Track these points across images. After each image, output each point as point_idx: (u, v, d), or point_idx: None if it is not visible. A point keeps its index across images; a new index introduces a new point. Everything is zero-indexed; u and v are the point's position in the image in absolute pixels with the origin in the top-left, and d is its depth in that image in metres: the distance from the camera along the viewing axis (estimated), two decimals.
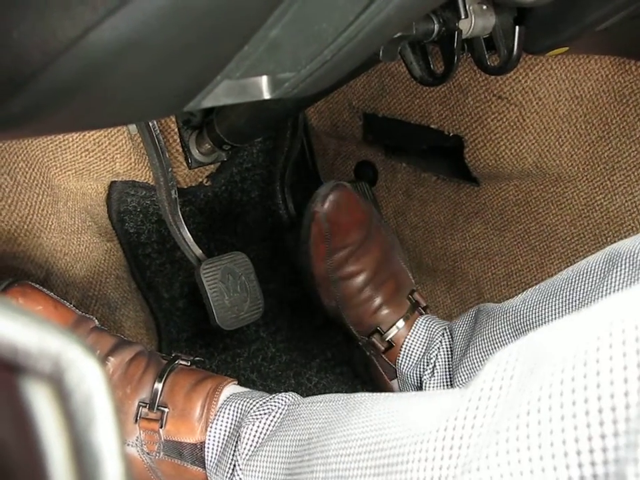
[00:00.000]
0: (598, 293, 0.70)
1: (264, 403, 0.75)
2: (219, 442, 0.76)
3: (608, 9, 0.68)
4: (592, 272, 0.72)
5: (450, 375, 0.94)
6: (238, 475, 0.71)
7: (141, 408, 0.79)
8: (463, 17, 0.70)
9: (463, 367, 0.88)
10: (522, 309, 0.80)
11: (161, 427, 0.78)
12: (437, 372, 0.95)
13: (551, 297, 0.76)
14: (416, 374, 0.99)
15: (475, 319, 0.92)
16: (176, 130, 1.04)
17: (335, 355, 1.24)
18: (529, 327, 0.78)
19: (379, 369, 1.06)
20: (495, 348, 0.83)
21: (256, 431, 0.71)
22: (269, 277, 1.21)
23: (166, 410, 0.78)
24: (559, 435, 0.34)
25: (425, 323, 1.01)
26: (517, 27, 0.72)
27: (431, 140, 1.11)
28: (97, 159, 0.94)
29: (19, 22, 0.31)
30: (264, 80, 0.44)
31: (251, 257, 1.00)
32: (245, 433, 0.72)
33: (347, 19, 0.41)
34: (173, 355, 0.84)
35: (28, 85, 0.33)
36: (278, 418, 0.72)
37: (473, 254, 1.18)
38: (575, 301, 0.72)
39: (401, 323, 1.00)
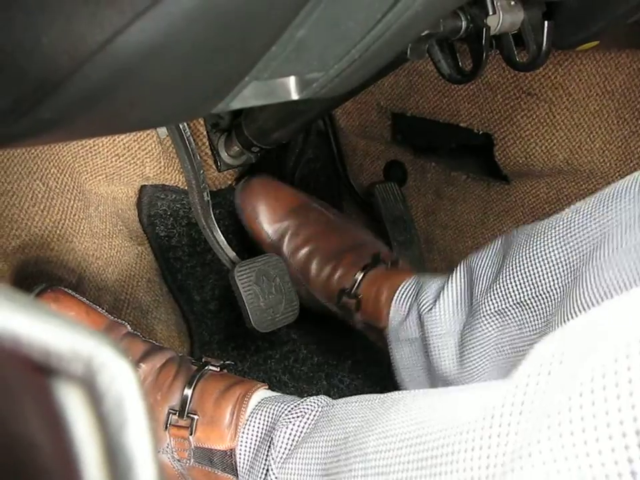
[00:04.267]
0: None
1: (296, 406, 0.74)
2: (250, 448, 0.75)
3: (638, 1, 0.67)
4: None
5: (467, 304, 0.85)
6: None
7: (170, 415, 0.79)
8: (490, 13, 0.70)
9: (493, 294, 0.79)
10: (576, 218, 0.72)
11: (191, 434, 0.77)
12: (443, 306, 0.86)
13: (610, 201, 0.68)
14: (409, 324, 0.92)
15: (506, 243, 0.82)
16: (205, 133, 1.05)
17: (367, 356, 1.23)
18: (586, 236, 0.69)
19: (367, 334, 1.07)
20: (537, 266, 0.74)
21: (289, 435, 0.70)
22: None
23: (195, 417, 0.78)
24: (616, 415, 0.32)
25: (414, 278, 0.96)
26: (546, 22, 0.71)
27: (460, 138, 1.11)
28: (127, 163, 0.95)
29: (48, 28, 0.31)
30: (292, 80, 0.44)
31: None
32: (278, 437, 0.71)
33: (374, 18, 0.40)
34: (203, 360, 0.84)
35: (58, 90, 0.33)
36: (312, 420, 0.71)
37: None
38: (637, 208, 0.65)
39: (359, 275, 1.01)
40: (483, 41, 0.71)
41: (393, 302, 0.96)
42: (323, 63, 0.44)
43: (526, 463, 0.36)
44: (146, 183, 1.02)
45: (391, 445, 0.51)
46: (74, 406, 0.17)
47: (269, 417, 0.75)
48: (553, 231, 0.73)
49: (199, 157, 0.91)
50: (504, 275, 0.78)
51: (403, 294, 0.95)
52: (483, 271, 0.83)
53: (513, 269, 0.77)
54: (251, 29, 0.34)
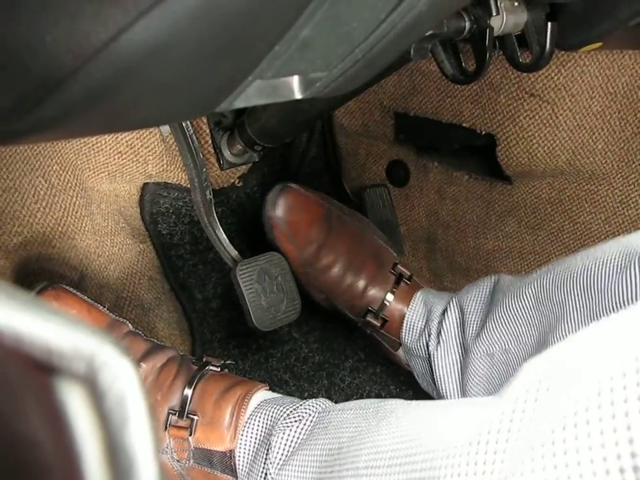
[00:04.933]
0: (617, 287, 0.68)
1: (294, 409, 0.74)
2: (249, 450, 0.75)
3: None
4: (609, 263, 0.71)
5: (461, 346, 0.95)
6: None
7: (170, 415, 0.79)
8: (494, 14, 0.70)
9: (482, 340, 0.88)
10: (540, 290, 0.80)
11: (190, 435, 0.78)
12: (444, 342, 0.96)
13: (569, 280, 0.75)
14: (420, 345, 1.01)
15: (492, 293, 0.92)
16: (208, 131, 1.05)
17: (368, 355, 1.23)
18: (549, 307, 0.77)
19: (383, 344, 1.09)
20: (516, 324, 0.83)
21: (287, 440, 0.71)
22: None
23: (195, 418, 0.78)
24: (599, 452, 0.32)
25: (422, 297, 1.03)
26: (549, 23, 0.71)
27: (462, 139, 1.11)
28: (129, 160, 0.95)
29: (52, 26, 0.31)
30: (295, 80, 0.44)
31: None
32: (276, 442, 0.71)
33: (378, 18, 0.40)
34: (204, 360, 0.85)
35: (61, 88, 0.33)
36: (308, 426, 0.71)
37: (506, 253, 1.17)
38: (594, 291, 0.71)
39: (389, 297, 1.03)
40: (487, 42, 0.71)
41: (405, 324, 1.03)
42: (327, 63, 0.44)
43: None
44: (148, 181, 1.02)
45: (381, 462, 0.51)
46: (75, 404, 0.17)
47: (267, 419, 0.76)
48: (527, 294, 0.82)
49: (201, 155, 0.91)
50: (491, 325, 0.87)
51: (413, 318, 1.02)
52: (473, 317, 0.93)
53: (497, 321, 0.86)
54: (255, 28, 0.34)
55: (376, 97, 1.17)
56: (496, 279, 0.94)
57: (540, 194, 1.08)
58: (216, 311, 1.17)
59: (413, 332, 1.02)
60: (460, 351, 0.95)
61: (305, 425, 0.72)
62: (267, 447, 0.73)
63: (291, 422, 0.72)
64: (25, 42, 0.32)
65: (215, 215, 0.96)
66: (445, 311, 0.98)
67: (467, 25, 0.70)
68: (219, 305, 1.17)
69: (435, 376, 0.98)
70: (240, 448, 0.76)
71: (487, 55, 0.72)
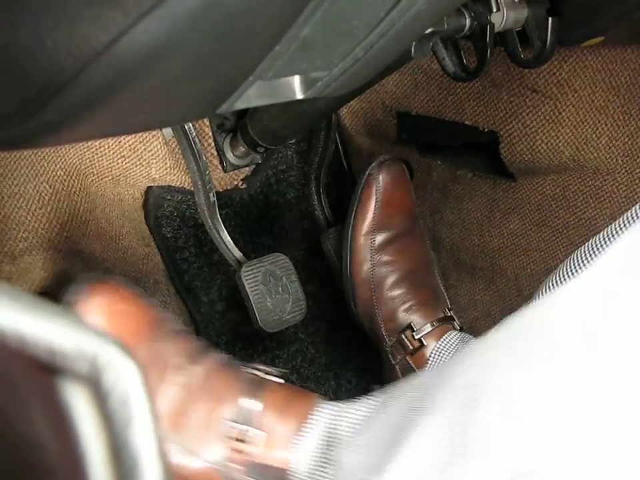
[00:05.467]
0: None
1: (352, 405, 0.72)
2: (307, 462, 0.71)
3: None
4: None
5: None
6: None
7: (228, 425, 0.73)
8: (494, 10, 0.70)
9: None
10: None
11: (250, 449, 0.72)
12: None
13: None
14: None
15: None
16: (210, 134, 1.05)
17: (375, 356, 1.23)
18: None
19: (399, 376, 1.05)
20: None
21: (352, 423, 0.69)
22: (307, 278, 1.21)
23: (258, 432, 0.73)
24: None
25: (459, 334, 0.99)
26: (550, 18, 0.71)
27: (465, 136, 1.10)
28: (132, 164, 0.95)
29: (53, 30, 0.31)
30: (296, 80, 0.44)
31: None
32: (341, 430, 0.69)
33: (378, 16, 0.40)
34: (252, 365, 0.80)
35: (62, 92, 0.33)
36: (375, 404, 0.69)
37: (511, 250, 1.16)
38: None
39: (432, 325, 0.99)
40: (487, 38, 0.71)
41: (431, 358, 0.98)
42: (327, 62, 0.44)
43: None
44: (152, 184, 1.02)
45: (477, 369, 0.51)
46: (79, 404, 0.17)
47: (325, 429, 0.72)
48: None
49: (204, 158, 0.91)
50: None
51: (440, 353, 0.98)
52: None
53: None
54: (255, 27, 0.34)
55: (378, 96, 1.17)
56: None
57: (544, 190, 1.08)
58: (221, 313, 1.17)
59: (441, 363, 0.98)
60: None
61: (368, 402, 0.70)
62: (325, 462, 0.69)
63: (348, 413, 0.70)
64: (26, 46, 0.32)
65: (219, 217, 0.96)
66: None
67: (468, 21, 0.70)
68: (224, 307, 1.17)
69: None
70: (296, 459, 0.71)
71: (488, 52, 0.72)
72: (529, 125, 1.00)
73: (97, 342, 0.17)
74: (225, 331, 1.17)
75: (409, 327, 1.00)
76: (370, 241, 1.00)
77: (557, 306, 0.49)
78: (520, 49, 0.76)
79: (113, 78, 0.33)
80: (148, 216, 1.05)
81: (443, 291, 1.06)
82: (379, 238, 0.99)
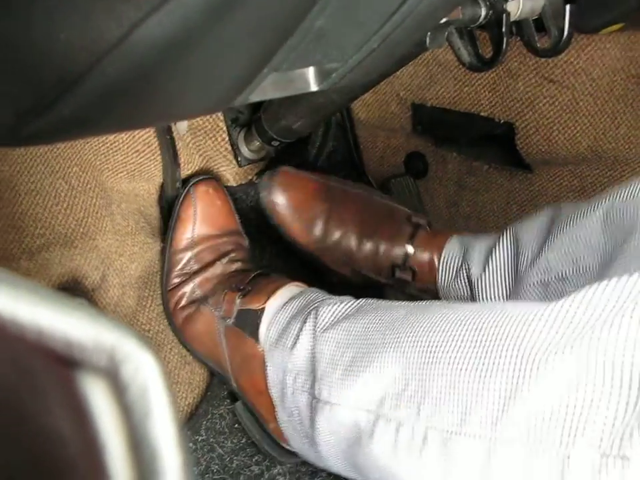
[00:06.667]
0: None
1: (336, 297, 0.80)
2: (280, 313, 0.83)
3: None
4: None
5: (513, 274, 0.90)
6: (307, 342, 0.74)
7: (229, 289, 0.92)
8: None
9: (537, 268, 0.84)
10: (613, 205, 0.75)
11: (239, 298, 0.89)
12: (493, 271, 0.92)
13: None
14: (459, 282, 0.97)
15: (551, 220, 0.87)
16: (224, 129, 1.05)
17: None
18: (619, 225, 0.74)
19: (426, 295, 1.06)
20: (578, 248, 0.80)
21: (334, 310, 0.74)
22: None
23: (248, 288, 0.89)
24: None
25: (458, 238, 1.00)
26: (567, 6, 0.70)
27: (481, 128, 1.10)
28: (147, 159, 0.95)
29: (66, 24, 0.31)
30: (311, 71, 0.44)
31: None
32: (322, 311, 0.75)
33: (392, 6, 0.40)
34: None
35: (77, 87, 0.33)
36: (354, 306, 0.74)
37: None
38: None
39: (410, 248, 1.01)
40: (503, 28, 0.70)
41: (441, 264, 0.99)
42: (342, 53, 0.43)
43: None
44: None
45: (444, 326, 0.55)
46: (98, 397, 0.17)
47: (306, 296, 0.83)
48: (593, 216, 0.77)
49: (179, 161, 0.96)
50: (547, 251, 0.83)
51: (449, 256, 0.99)
52: (529, 244, 0.88)
53: (556, 247, 0.82)
54: (267, 19, 0.34)
55: (392, 88, 1.16)
56: (558, 207, 0.89)
57: (561, 182, 1.07)
58: None
59: (449, 271, 0.98)
60: (509, 280, 0.91)
61: (350, 304, 0.75)
62: (304, 317, 0.77)
63: (335, 301, 0.77)
64: (40, 41, 0.32)
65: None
66: (495, 242, 0.93)
67: (483, 11, 0.69)
68: None
69: None
70: (270, 307, 0.85)
71: (504, 41, 0.71)
72: (546, 116, 0.99)
73: (115, 334, 0.17)
74: None
75: (396, 266, 1.02)
76: (314, 240, 1.04)
77: None
78: (536, 38, 0.75)
79: (126, 72, 0.33)
80: (163, 211, 1.05)
81: (392, 203, 1.08)
82: (317, 231, 1.03)
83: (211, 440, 0.95)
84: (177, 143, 0.96)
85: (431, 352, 0.55)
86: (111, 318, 0.18)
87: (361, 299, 0.76)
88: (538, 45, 0.75)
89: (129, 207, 0.98)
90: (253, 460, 0.93)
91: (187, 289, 0.96)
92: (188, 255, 0.97)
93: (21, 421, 0.17)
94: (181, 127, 0.96)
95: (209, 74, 0.36)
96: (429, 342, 0.55)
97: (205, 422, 0.97)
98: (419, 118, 1.17)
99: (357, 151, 1.28)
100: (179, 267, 0.98)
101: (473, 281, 0.94)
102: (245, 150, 1.07)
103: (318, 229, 1.02)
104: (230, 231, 1.00)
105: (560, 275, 0.82)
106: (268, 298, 0.86)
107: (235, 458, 0.93)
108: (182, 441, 0.17)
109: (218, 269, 0.96)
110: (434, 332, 0.56)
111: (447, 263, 0.98)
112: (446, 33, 0.68)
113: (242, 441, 0.95)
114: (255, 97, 0.42)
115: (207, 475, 0.90)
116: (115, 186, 0.95)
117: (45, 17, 0.31)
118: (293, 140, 1.02)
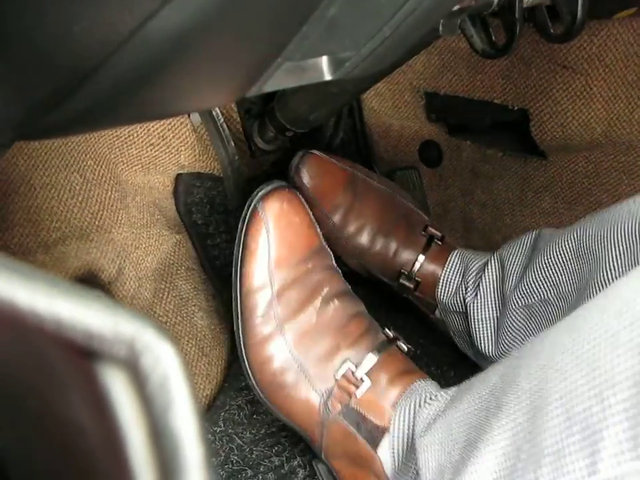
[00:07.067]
0: None
1: (434, 392, 0.74)
2: (402, 438, 0.73)
3: None
4: None
5: (500, 298, 0.94)
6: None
7: (347, 366, 0.79)
8: None
9: (521, 291, 0.88)
10: (582, 236, 0.79)
11: (356, 395, 0.77)
12: (482, 294, 0.95)
13: (613, 225, 0.74)
14: (457, 300, 0.99)
15: (532, 246, 0.92)
16: (238, 120, 1.05)
17: (407, 336, 1.23)
18: (590, 253, 0.77)
19: (419, 307, 1.09)
20: (556, 273, 0.83)
21: (427, 414, 0.69)
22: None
23: (369, 382, 0.77)
24: None
25: (459, 254, 1.02)
26: None
27: (495, 115, 1.09)
28: (162, 152, 0.95)
29: (80, 16, 0.31)
30: (324, 60, 0.44)
31: None
32: (418, 420, 0.70)
33: None
34: (394, 335, 0.86)
35: (90, 79, 0.33)
36: (448, 397, 0.70)
37: None
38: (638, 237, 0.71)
39: (421, 258, 1.02)
40: (516, 14, 0.70)
41: (441, 281, 1.01)
42: (355, 42, 0.43)
43: None
44: (182, 172, 1.02)
45: (542, 373, 0.48)
46: (118, 388, 0.17)
47: (412, 407, 0.74)
48: (568, 243, 0.81)
49: (233, 144, 0.91)
50: (530, 275, 0.87)
51: (450, 273, 1.01)
52: (513, 268, 0.92)
53: (537, 272, 0.86)
54: (282, 7, 0.34)
55: (405, 77, 1.16)
56: (537, 232, 0.93)
57: (576, 168, 1.06)
58: None
59: (449, 288, 1.00)
60: (497, 303, 0.94)
61: (444, 396, 0.71)
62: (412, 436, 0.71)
63: (431, 401, 0.72)
64: (53, 33, 0.32)
65: None
66: (485, 265, 0.97)
67: None
68: None
69: (470, 329, 0.97)
70: (394, 433, 0.74)
71: (517, 28, 0.70)
72: (560, 102, 0.98)
73: (135, 325, 0.17)
74: None
75: (402, 272, 1.03)
76: (331, 228, 1.03)
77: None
78: (549, 24, 0.75)
79: (140, 63, 0.33)
80: (178, 203, 1.05)
81: (413, 207, 1.08)
82: (336, 220, 1.02)
83: (230, 431, 0.95)
84: (191, 136, 0.96)
85: (540, 396, 0.47)
86: (129, 309, 0.18)
87: (452, 388, 0.70)
88: (551, 31, 0.75)
89: (144, 200, 0.98)
90: (273, 450, 0.93)
91: (278, 348, 0.82)
92: (267, 294, 0.83)
93: (41, 412, 0.17)
94: (194, 119, 0.96)
95: (224, 64, 0.36)
96: (535, 389, 0.48)
97: (223, 413, 0.97)
98: (432, 106, 1.16)
99: (365, 141, 1.28)
100: (260, 312, 0.83)
101: (467, 302, 0.97)
102: (258, 141, 1.07)
103: (336, 219, 1.02)
104: (313, 250, 0.87)
105: (542, 297, 0.85)
106: (390, 415, 0.75)
107: (255, 449, 0.93)
108: (202, 432, 0.17)
109: (312, 317, 0.82)
110: (534, 382, 0.48)
111: (447, 281, 1.01)
112: (459, 20, 0.68)
113: (261, 432, 0.95)
114: (269, 87, 0.42)
115: (227, 466, 0.90)
116: (129, 179, 0.95)
117: (59, 9, 0.31)
118: (306, 130, 1.02)
